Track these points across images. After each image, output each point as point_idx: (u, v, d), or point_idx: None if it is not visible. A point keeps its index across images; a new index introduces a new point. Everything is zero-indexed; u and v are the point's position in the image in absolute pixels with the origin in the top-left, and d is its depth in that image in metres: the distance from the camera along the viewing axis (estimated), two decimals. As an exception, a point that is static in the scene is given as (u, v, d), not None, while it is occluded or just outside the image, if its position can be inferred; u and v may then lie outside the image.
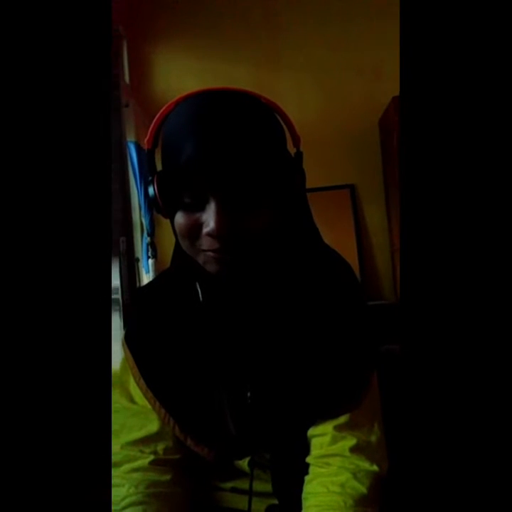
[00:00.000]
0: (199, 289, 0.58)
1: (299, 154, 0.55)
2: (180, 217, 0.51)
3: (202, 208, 0.49)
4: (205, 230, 0.49)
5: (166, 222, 0.54)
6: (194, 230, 0.50)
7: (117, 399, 0.62)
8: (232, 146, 0.47)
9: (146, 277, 2.00)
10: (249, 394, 0.56)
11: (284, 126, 0.54)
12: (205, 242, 0.50)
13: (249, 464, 0.58)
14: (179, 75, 2.18)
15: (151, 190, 0.51)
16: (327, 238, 0.64)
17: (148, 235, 2.02)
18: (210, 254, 0.51)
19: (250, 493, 0.57)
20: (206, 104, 0.49)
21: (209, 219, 0.48)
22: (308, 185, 0.56)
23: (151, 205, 0.53)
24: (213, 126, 0.47)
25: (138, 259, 1.99)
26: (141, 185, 1.93)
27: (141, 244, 2.06)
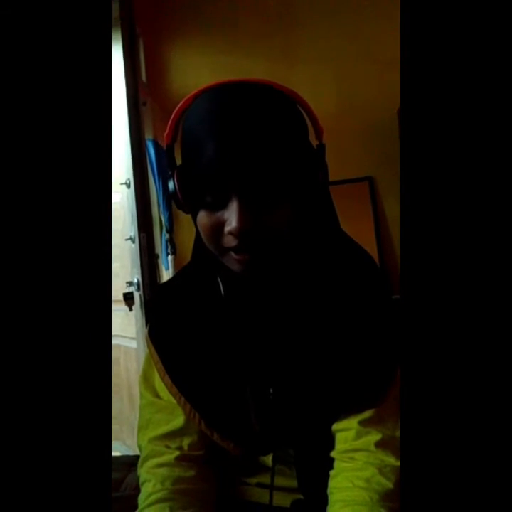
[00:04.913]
0: (221, 284, 0.58)
1: (322, 147, 0.54)
2: (202, 217, 0.51)
3: (224, 206, 0.49)
4: (227, 228, 0.49)
5: (185, 218, 0.54)
6: (217, 228, 0.50)
7: (143, 394, 0.63)
8: (252, 145, 0.46)
9: (165, 274, 2.02)
10: (271, 390, 0.56)
11: (306, 118, 0.53)
12: (227, 240, 0.50)
13: (273, 459, 0.59)
14: (195, 71, 2.18)
15: (171, 185, 0.51)
16: (346, 231, 0.63)
17: (167, 231, 2.04)
18: (234, 255, 0.51)
19: (271, 487, 0.57)
20: (225, 100, 0.48)
21: (231, 217, 0.48)
22: (327, 178, 0.55)
23: (172, 200, 0.53)
24: (233, 126, 0.46)
25: (157, 256, 2.01)
26: (159, 182, 1.94)
27: (161, 241, 2.07)
